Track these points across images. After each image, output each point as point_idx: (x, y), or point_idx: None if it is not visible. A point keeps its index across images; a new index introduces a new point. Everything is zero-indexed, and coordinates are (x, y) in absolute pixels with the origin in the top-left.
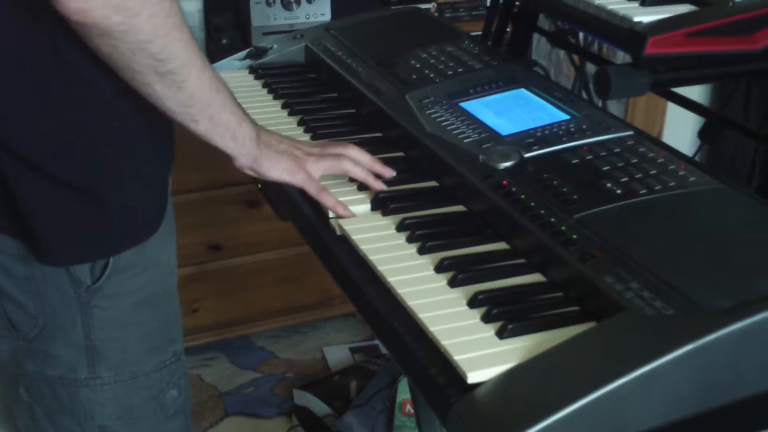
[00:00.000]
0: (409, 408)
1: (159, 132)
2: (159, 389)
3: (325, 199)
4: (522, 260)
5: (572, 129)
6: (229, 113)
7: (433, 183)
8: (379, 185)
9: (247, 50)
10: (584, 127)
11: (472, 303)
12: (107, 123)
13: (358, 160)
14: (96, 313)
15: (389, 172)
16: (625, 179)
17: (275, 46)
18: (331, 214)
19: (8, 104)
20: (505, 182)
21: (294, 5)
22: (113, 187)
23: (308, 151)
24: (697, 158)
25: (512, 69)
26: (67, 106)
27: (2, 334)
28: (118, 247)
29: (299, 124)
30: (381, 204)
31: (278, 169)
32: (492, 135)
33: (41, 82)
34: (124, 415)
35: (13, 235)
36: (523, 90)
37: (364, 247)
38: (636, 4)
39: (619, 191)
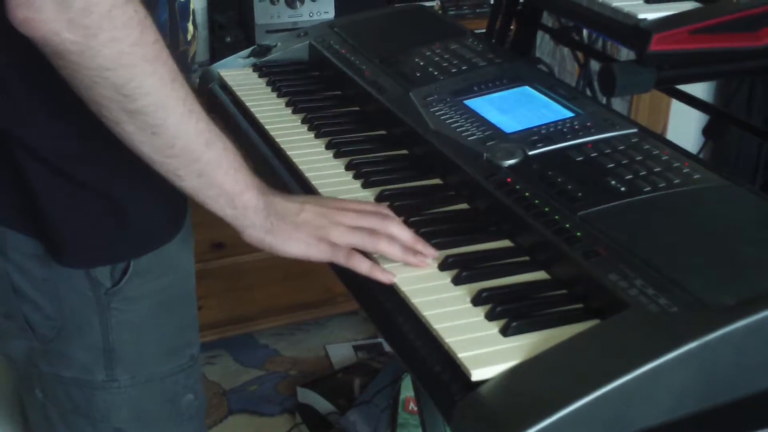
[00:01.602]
0: (412, 406)
1: None
2: (174, 393)
3: (358, 265)
4: (526, 258)
5: (576, 126)
6: (225, 174)
7: (437, 180)
8: (422, 262)
9: (251, 48)
10: (588, 124)
11: (476, 301)
12: None
13: (396, 238)
14: (114, 315)
15: (432, 253)
16: (630, 176)
17: (279, 44)
18: None
19: (26, 104)
20: (509, 180)
21: (298, 3)
22: (133, 190)
23: (336, 219)
24: (701, 155)
25: (516, 66)
26: (85, 106)
27: (18, 334)
28: (139, 250)
29: (303, 122)
30: (385, 201)
31: (296, 245)
32: (496, 132)
33: (59, 83)
34: (139, 418)
35: (32, 236)
36: (527, 87)
37: None
38: (641, 1)
39: (623, 188)
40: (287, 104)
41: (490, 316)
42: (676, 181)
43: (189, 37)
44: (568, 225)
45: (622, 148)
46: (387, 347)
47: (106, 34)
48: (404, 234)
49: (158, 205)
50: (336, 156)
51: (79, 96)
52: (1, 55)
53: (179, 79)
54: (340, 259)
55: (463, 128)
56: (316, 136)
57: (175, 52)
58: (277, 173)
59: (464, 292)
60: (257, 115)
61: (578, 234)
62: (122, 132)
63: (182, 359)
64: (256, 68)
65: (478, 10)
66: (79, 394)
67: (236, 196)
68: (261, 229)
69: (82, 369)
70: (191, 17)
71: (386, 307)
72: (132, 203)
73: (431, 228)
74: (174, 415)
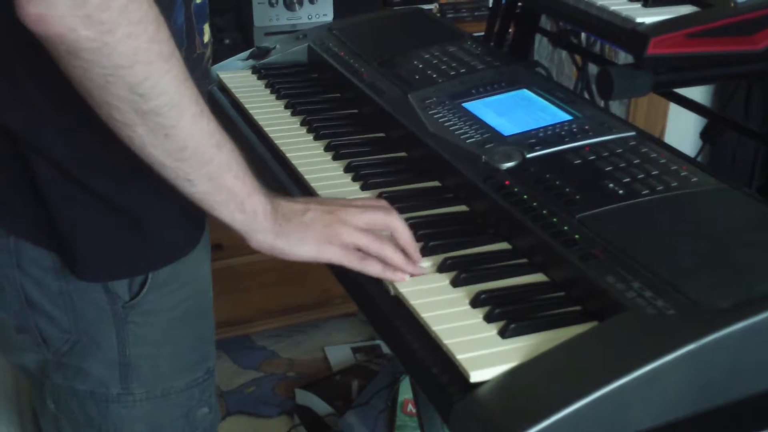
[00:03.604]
0: (410, 408)
1: None
2: (189, 407)
3: (371, 269)
4: (524, 260)
5: (574, 129)
6: (235, 178)
7: (436, 183)
8: (418, 270)
9: (250, 50)
10: (586, 127)
11: (475, 303)
12: None
13: (397, 231)
14: (131, 329)
15: (418, 269)
16: (627, 180)
17: (278, 46)
18: None
19: (46, 113)
20: (507, 182)
21: (296, 5)
22: (151, 203)
23: (342, 217)
24: (699, 159)
25: (514, 69)
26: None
27: (31, 347)
28: (158, 263)
29: (302, 124)
30: None
31: (306, 246)
32: (494, 135)
33: (77, 93)
34: None
35: (49, 249)
36: (525, 90)
37: None
38: (638, 5)
39: (621, 191)
40: (286, 106)
41: (489, 318)
42: (674, 184)
43: (206, 40)
44: (566, 228)
45: (619, 151)
46: (385, 349)
47: (123, 29)
48: (405, 232)
49: (177, 218)
50: (335, 158)
51: (88, 99)
52: (20, 63)
53: (190, 79)
54: (354, 263)
55: (462, 131)
56: (315, 138)
57: (191, 56)
58: (276, 175)
59: (463, 294)
60: (256, 117)
61: (576, 237)
62: (133, 135)
63: (198, 373)
64: (255, 70)
65: (476, 13)
66: (94, 407)
67: (245, 200)
68: (270, 233)
69: (96, 382)
70: (209, 20)
71: (384, 308)
72: (150, 216)
73: (429, 230)
74: (188, 429)
